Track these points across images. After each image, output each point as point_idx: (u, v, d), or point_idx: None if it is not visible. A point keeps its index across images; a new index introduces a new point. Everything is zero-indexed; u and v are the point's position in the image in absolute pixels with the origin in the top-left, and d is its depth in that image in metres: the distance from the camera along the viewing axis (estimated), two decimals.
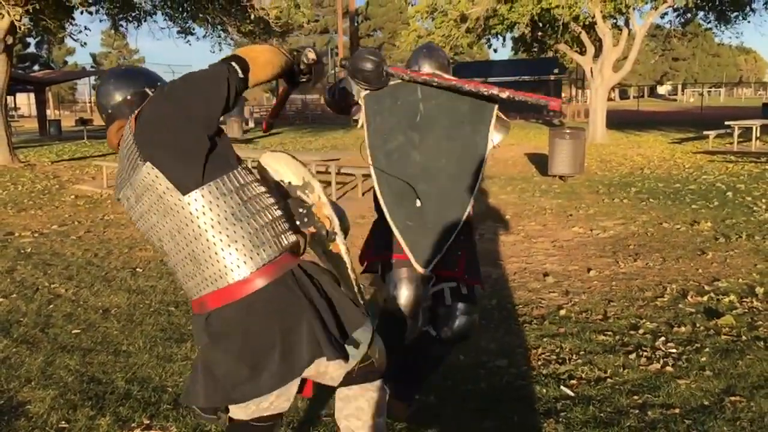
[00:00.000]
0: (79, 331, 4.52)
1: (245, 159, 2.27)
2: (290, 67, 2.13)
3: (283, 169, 2.22)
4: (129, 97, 2.08)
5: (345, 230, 2.22)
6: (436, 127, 2.94)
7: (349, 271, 2.17)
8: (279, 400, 1.94)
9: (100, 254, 6.86)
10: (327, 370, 1.96)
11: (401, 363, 3.03)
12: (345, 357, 1.90)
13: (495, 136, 2.98)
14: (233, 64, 1.92)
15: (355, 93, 2.98)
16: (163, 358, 4.00)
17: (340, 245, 2.16)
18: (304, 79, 2.21)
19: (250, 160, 7.72)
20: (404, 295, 3.07)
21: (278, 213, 1.98)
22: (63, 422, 3.20)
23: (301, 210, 2.16)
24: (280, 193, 2.18)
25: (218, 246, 1.85)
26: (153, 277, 5.92)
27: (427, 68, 3.09)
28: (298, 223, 2.14)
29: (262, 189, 1.99)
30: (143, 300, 5.20)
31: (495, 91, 2.82)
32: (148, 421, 3.21)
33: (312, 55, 2.17)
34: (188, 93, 1.87)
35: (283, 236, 1.95)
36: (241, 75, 1.92)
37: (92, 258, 6.69)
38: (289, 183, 2.21)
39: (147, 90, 2.09)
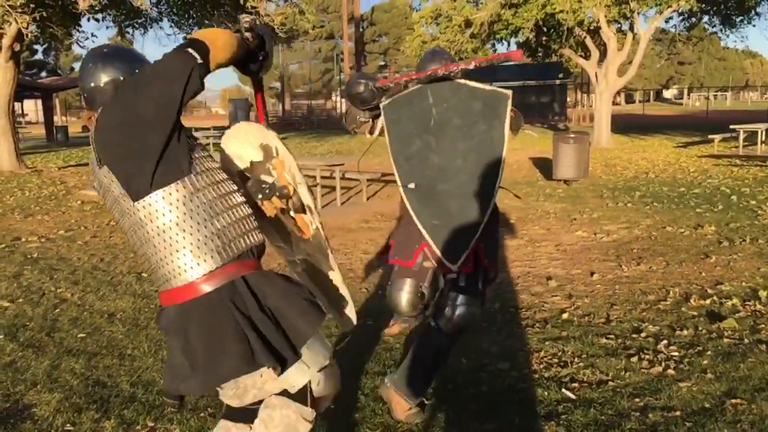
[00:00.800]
0: (84, 335, 4.56)
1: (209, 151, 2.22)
2: (244, 46, 2.03)
3: (243, 148, 2.20)
4: (102, 85, 2.01)
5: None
6: (450, 128, 3.05)
7: (324, 243, 2.18)
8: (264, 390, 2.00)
9: (106, 259, 6.91)
10: (264, 385, 2.01)
11: (406, 358, 3.22)
12: (276, 366, 1.91)
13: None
14: (190, 50, 1.84)
15: (359, 115, 3.27)
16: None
17: (304, 196, 2.12)
18: (261, 57, 2.12)
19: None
20: (404, 299, 3.20)
21: (240, 214, 2.01)
22: (68, 425, 3.24)
23: (263, 186, 2.16)
24: (244, 180, 2.20)
25: (165, 252, 1.92)
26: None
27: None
28: (260, 196, 2.15)
29: (223, 190, 2.00)
30: (148, 304, 5.24)
31: (462, 65, 3.00)
32: (152, 424, 3.24)
33: (246, 18, 2.07)
34: (137, 94, 1.82)
35: (241, 240, 1.98)
36: (200, 60, 1.83)
37: (98, 263, 6.74)
38: (251, 162, 2.20)
39: (122, 78, 2.00)
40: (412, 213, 3.07)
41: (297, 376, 2.01)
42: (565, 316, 4.79)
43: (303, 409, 2.03)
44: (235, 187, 2.08)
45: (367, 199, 10.91)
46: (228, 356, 1.87)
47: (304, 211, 2.15)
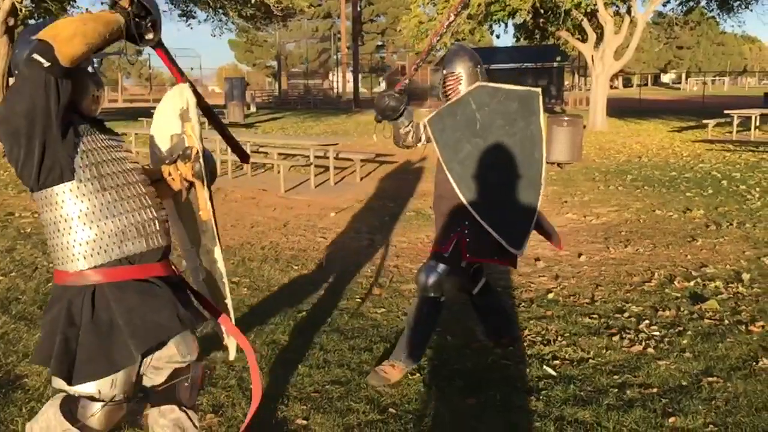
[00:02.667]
0: None
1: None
2: (117, 22, 1.94)
3: (167, 120, 2.25)
4: (20, 67, 1.94)
5: (212, 172, 2.34)
6: (494, 128, 3.41)
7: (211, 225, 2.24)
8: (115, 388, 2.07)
9: None
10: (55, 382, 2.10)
11: (411, 330, 3.55)
12: (67, 378, 1.98)
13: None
14: (35, 56, 1.78)
15: (401, 127, 3.59)
16: None
17: (195, 167, 2.21)
18: (150, 36, 2.06)
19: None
20: (432, 279, 3.52)
21: (130, 221, 2.05)
22: None
23: (171, 151, 2.24)
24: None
25: (49, 239, 2.06)
26: None
27: (457, 66, 3.58)
28: (167, 161, 2.24)
29: (112, 198, 2.02)
30: None
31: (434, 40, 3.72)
32: (141, 394, 3.30)
33: None
34: (8, 110, 1.87)
35: (123, 245, 2.03)
36: (46, 63, 1.78)
37: None
38: (171, 137, 2.25)
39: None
40: (476, 215, 3.36)
41: (86, 388, 2.04)
42: (550, 296, 4.86)
43: (63, 422, 2.05)
44: (137, 191, 2.10)
45: (361, 179, 10.95)
46: (39, 348, 2.06)
47: (202, 181, 2.21)
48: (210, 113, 2.44)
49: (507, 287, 5.09)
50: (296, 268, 5.70)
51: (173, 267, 2.22)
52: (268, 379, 3.49)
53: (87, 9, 2.07)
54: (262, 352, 3.84)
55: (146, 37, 2.06)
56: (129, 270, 2.04)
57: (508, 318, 4.04)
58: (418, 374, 3.55)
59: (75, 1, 17.40)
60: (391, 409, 3.18)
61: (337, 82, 49.59)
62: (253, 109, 31.95)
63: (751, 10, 26.67)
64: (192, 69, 53.50)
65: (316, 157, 10.94)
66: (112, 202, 2.02)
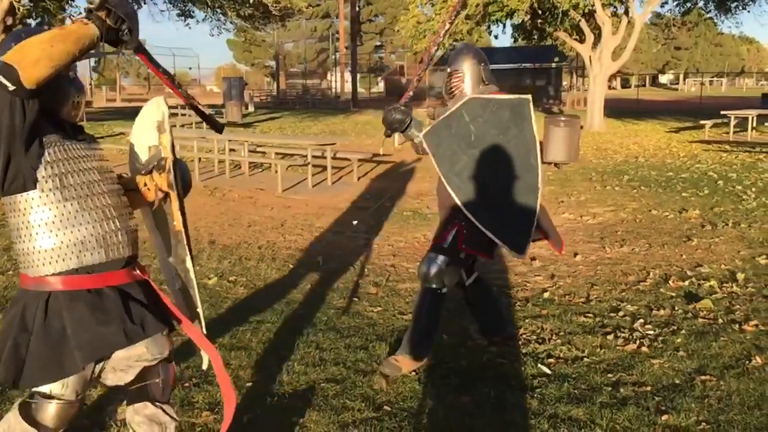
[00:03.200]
0: None
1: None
2: (90, 36, 1.93)
3: (146, 132, 2.28)
4: None
5: (185, 184, 2.35)
6: (489, 138, 3.47)
7: (180, 233, 2.26)
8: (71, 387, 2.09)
9: None
10: None
11: (415, 322, 3.66)
12: (13, 383, 2.02)
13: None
14: (0, 78, 1.79)
15: (414, 138, 3.72)
16: None
17: (169, 178, 2.22)
18: (126, 38, 2.02)
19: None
20: (433, 270, 3.60)
21: (85, 233, 2.06)
22: None
23: (147, 162, 2.26)
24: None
25: (14, 246, 2.10)
26: (147, 257, 5.97)
27: (461, 65, 3.69)
28: (143, 172, 2.26)
29: (77, 207, 2.04)
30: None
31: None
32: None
33: (96, 1, 1.94)
34: None
35: (74, 257, 2.05)
36: (11, 87, 1.79)
37: None
38: (149, 148, 2.28)
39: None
40: (478, 223, 3.42)
41: (38, 387, 2.09)
42: (546, 295, 4.89)
43: (21, 422, 2.10)
44: (100, 203, 2.11)
45: (358, 179, 10.97)
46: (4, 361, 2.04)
47: (175, 192, 2.24)
48: (179, 91, 2.44)
49: (503, 286, 5.11)
50: (293, 267, 5.72)
51: (138, 272, 2.22)
52: (264, 377, 3.51)
53: (71, 17, 1.99)
54: (258, 350, 3.86)
55: (124, 42, 2.05)
56: (86, 279, 2.07)
57: (502, 317, 4.07)
58: (413, 372, 3.57)
59: (73, 1, 17.40)
60: (386, 407, 3.20)
61: (336, 82, 49.57)
62: (251, 108, 31.94)
63: (749, 11, 26.71)
64: (190, 68, 53.49)
65: (314, 156, 10.95)
66: (73, 213, 2.05)
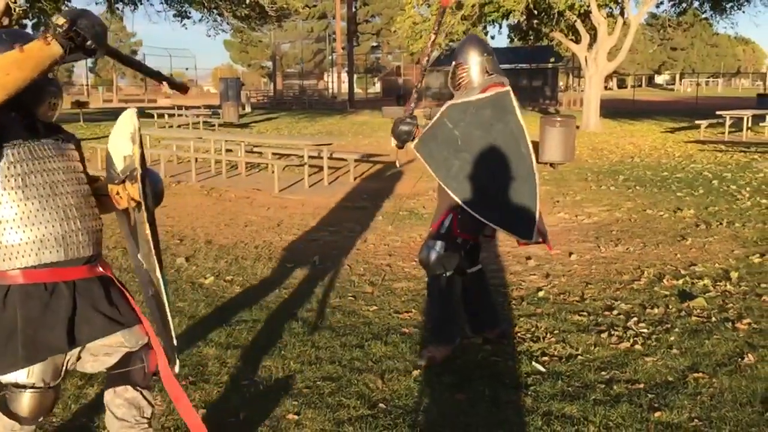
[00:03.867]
0: None
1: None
2: (52, 57, 1.92)
3: (123, 143, 2.29)
4: None
5: (157, 195, 2.37)
6: (475, 139, 3.55)
7: (148, 240, 2.27)
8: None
9: None
10: None
11: (433, 312, 3.87)
12: None
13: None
14: None
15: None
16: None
17: (136, 190, 2.23)
18: (92, 49, 2.00)
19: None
20: (433, 255, 3.70)
21: (44, 232, 2.09)
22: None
23: (119, 172, 2.26)
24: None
25: None
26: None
27: (468, 57, 3.74)
28: (116, 181, 2.25)
29: (38, 206, 2.08)
30: (133, 278, 5.30)
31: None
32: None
33: (61, 21, 1.90)
34: None
35: (33, 255, 2.07)
36: None
37: None
38: (124, 157, 2.28)
39: None
40: (481, 218, 3.53)
41: (3, 377, 2.12)
42: (541, 294, 4.92)
43: (7, 421, 2.15)
44: (62, 203, 2.14)
45: (355, 179, 10.99)
46: None
47: (143, 203, 2.26)
48: (131, 63, 2.44)
49: (498, 285, 5.13)
50: (289, 266, 5.74)
51: (101, 269, 2.25)
52: (260, 375, 3.53)
53: (43, 32, 2.00)
54: (254, 348, 3.87)
55: (90, 53, 2.04)
56: (44, 272, 2.10)
57: (496, 312, 4.13)
58: (407, 370, 3.59)
59: (70, 2, 17.39)
60: (381, 405, 3.22)
61: (332, 82, 49.61)
62: (248, 109, 31.95)
63: (744, 12, 26.80)
64: (187, 69, 53.48)
65: (310, 157, 10.97)
66: (33, 212, 2.08)
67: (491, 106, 3.54)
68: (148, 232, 2.27)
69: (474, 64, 3.72)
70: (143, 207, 2.27)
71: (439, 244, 3.70)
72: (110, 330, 2.23)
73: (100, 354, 2.24)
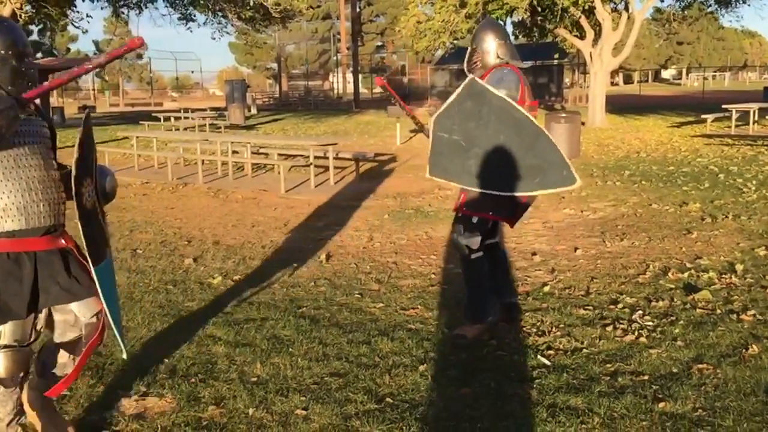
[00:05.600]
0: None
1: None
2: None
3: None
4: None
5: (108, 191, 2.60)
6: (475, 132, 3.65)
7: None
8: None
9: None
10: None
11: (467, 291, 4.12)
12: None
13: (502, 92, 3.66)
14: None
15: None
16: (160, 333, 4.20)
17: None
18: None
19: None
20: (459, 239, 3.96)
21: (6, 201, 2.25)
22: (65, 390, 3.38)
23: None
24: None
25: None
26: (152, 258, 6.10)
27: (483, 42, 3.92)
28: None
29: (6, 176, 2.24)
30: (142, 279, 5.39)
31: None
32: (145, 389, 3.39)
33: None
34: None
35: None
36: None
37: None
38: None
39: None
40: (520, 194, 3.70)
41: None
42: (546, 288, 4.94)
43: None
44: (24, 175, 2.29)
45: (360, 178, 11.03)
46: None
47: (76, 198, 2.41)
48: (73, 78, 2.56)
49: None
50: (296, 265, 5.78)
51: (63, 241, 2.44)
52: (269, 372, 3.57)
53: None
54: (262, 346, 3.92)
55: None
56: (6, 242, 2.28)
57: (511, 283, 4.43)
58: (414, 365, 3.63)
59: (75, 6, 17.51)
60: (388, 399, 3.25)
61: (338, 82, 49.66)
62: (253, 111, 32.04)
63: (749, 5, 26.69)
64: (192, 72, 53.72)
65: (316, 157, 11.02)
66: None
67: (468, 98, 3.64)
68: (81, 227, 2.38)
69: (486, 49, 3.88)
70: (75, 204, 2.42)
71: (458, 228, 3.93)
72: (65, 300, 2.42)
73: (68, 324, 2.50)
